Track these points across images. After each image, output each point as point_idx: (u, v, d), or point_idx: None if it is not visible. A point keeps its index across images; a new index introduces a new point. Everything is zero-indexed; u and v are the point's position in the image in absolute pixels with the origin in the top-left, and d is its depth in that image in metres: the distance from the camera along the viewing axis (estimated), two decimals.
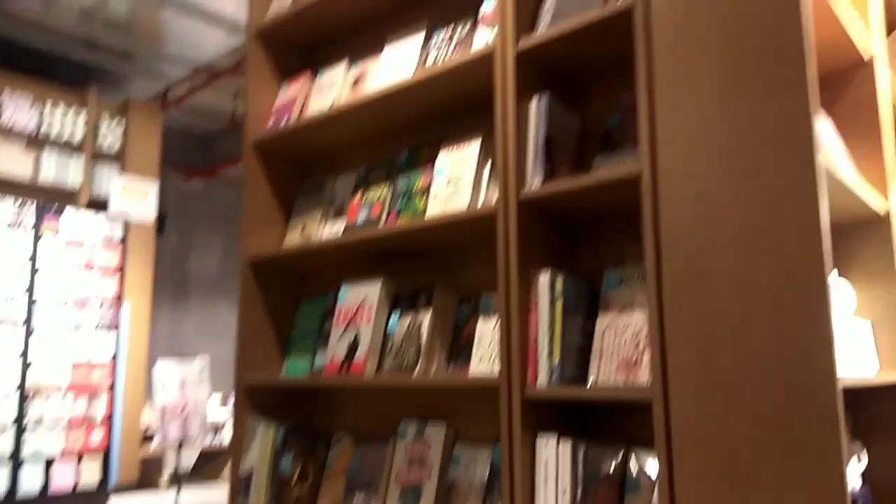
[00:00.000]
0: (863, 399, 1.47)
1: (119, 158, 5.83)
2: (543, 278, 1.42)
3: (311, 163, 2.34)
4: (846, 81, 1.53)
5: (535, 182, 1.46)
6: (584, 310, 1.44)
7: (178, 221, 7.82)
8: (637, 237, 1.52)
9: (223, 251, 8.34)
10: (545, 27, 1.53)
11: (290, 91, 2.22)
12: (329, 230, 2.09)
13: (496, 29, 1.54)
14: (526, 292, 1.44)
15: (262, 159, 2.19)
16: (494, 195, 1.68)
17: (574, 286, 1.44)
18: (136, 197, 5.53)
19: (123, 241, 5.29)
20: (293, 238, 2.19)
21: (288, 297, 2.22)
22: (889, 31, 1.97)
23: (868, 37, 1.51)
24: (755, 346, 1.07)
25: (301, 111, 2.15)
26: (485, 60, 1.58)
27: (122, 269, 5.25)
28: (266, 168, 2.20)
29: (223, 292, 8.26)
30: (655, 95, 1.24)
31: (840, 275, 1.52)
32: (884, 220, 1.47)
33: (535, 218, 1.50)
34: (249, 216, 2.13)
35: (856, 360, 1.34)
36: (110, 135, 5.76)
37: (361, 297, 1.89)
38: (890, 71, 1.71)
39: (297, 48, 2.34)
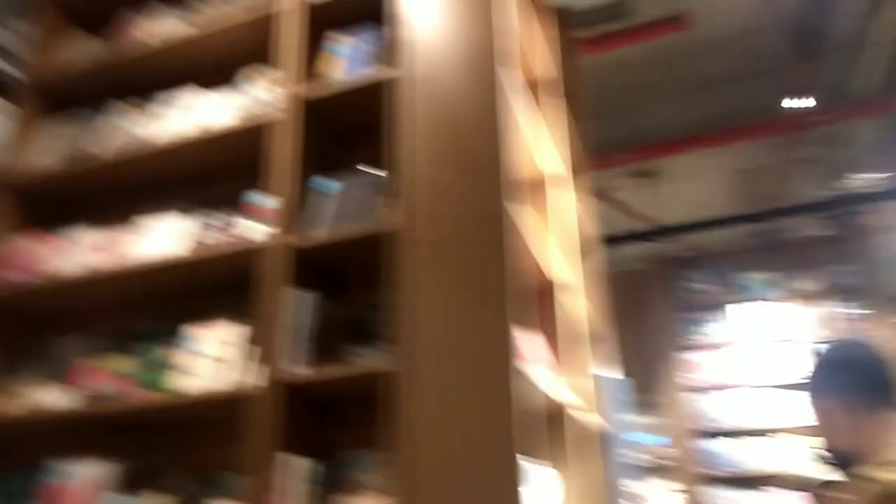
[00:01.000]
0: None
1: None
2: (295, 462, 1.50)
3: (38, 324, 2.13)
4: (544, 297, 1.95)
5: (295, 368, 1.57)
6: (332, 493, 1.53)
7: None
8: (383, 423, 1.68)
9: None
10: (317, 230, 1.70)
11: (23, 245, 2.07)
12: (49, 398, 1.91)
13: (269, 224, 1.68)
14: (273, 475, 1.48)
15: None
16: (248, 376, 1.73)
17: (324, 470, 1.53)
18: None
19: None
20: None
21: None
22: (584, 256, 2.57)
23: (549, 265, 1.94)
24: None
25: (35, 270, 2.01)
26: (257, 251, 1.70)
27: None
28: None
29: None
30: (411, 301, 1.47)
31: (547, 459, 1.83)
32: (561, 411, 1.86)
33: (290, 401, 1.58)
34: None
35: None
36: None
37: (81, 478, 1.73)
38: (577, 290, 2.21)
39: (39, 202, 2.21)
